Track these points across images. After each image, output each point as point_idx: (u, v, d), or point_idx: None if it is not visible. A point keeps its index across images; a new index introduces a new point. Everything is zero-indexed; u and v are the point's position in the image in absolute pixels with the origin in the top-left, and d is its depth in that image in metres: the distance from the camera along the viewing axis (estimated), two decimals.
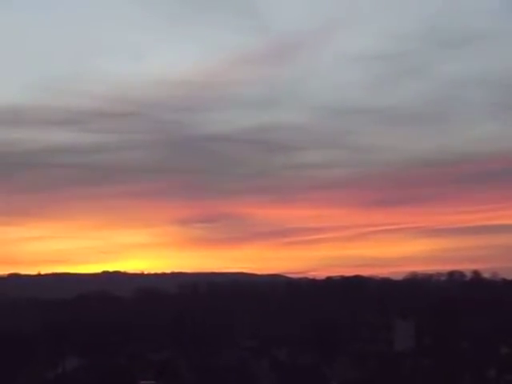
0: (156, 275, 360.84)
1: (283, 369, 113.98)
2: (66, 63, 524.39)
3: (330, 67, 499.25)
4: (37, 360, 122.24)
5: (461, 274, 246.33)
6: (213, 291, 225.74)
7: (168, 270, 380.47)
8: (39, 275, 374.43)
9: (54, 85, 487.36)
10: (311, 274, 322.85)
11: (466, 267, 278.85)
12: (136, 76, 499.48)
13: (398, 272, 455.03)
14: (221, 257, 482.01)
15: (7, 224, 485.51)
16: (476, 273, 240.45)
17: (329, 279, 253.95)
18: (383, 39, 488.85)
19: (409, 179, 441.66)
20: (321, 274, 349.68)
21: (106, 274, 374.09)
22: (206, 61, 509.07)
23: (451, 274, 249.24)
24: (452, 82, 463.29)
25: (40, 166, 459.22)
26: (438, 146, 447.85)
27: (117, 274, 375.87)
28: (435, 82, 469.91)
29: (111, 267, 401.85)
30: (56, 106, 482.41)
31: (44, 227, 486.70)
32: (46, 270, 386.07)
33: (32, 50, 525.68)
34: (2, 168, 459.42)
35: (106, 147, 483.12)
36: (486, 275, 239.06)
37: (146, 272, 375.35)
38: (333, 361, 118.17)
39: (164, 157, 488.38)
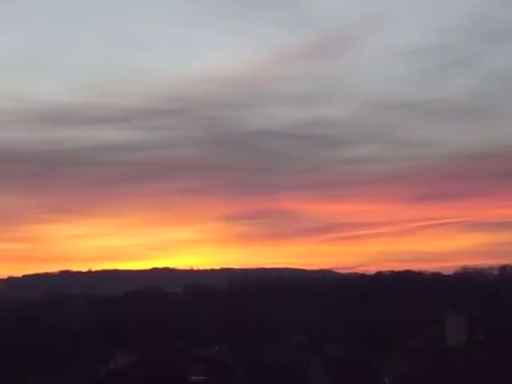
0: (205, 271, 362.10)
1: (334, 364, 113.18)
2: (114, 61, 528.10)
3: (375, 61, 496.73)
4: (88, 356, 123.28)
5: None
6: (262, 287, 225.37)
7: (217, 266, 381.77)
8: (90, 272, 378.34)
9: (103, 83, 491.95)
10: (361, 270, 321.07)
11: None
12: (183, 73, 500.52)
13: (448, 266, 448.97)
14: (269, 252, 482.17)
15: (59, 222, 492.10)
16: None
17: (379, 274, 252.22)
18: (428, 32, 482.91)
19: (457, 173, 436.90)
20: (371, 269, 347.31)
21: (155, 270, 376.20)
22: (252, 57, 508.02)
23: (503, 268, 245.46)
24: (498, 75, 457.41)
25: (90, 164, 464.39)
26: (485, 139, 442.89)
27: (166, 270, 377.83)
28: (481, 75, 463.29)
29: (161, 264, 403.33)
30: (105, 104, 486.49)
31: (95, 224, 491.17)
32: (96, 266, 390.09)
33: (80, 50, 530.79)
34: (52, 166, 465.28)
35: (154, 145, 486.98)
36: None
37: (195, 268, 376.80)
38: (384, 356, 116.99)
39: (211, 153, 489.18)
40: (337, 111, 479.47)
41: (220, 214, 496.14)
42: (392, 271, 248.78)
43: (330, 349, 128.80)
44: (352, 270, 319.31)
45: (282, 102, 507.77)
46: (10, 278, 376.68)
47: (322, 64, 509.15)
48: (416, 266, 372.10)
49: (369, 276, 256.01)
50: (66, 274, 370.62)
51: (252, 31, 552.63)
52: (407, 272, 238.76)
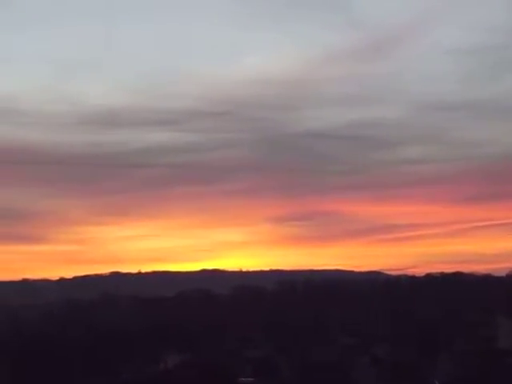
0: (254, 273, 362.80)
1: (382, 366, 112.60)
2: (162, 64, 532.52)
3: (425, 61, 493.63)
4: (139, 357, 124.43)
5: None
6: (310, 288, 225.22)
7: (266, 268, 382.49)
8: (140, 273, 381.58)
9: (150, 86, 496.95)
10: (410, 271, 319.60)
11: None
12: (231, 75, 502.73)
13: (499, 268, 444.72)
14: (318, 254, 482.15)
15: (109, 223, 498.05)
16: None
17: (429, 276, 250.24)
18: (478, 32, 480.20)
19: (507, 173, 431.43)
20: (420, 271, 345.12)
21: (204, 271, 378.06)
22: (300, 58, 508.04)
23: None
24: None
25: (140, 167, 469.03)
26: None
27: (215, 271, 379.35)
28: None
29: (210, 265, 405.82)
30: (152, 107, 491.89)
31: (144, 226, 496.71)
32: (146, 268, 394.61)
33: (128, 52, 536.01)
34: (103, 169, 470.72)
35: (202, 147, 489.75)
36: None
37: (244, 270, 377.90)
38: (433, 359, 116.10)
39: (260, 155, 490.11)
40: (386, 112, 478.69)
41: (269, 215, 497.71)
42: (442, 273, 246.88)
43: (378, 351, 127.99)
44: (401, 272, 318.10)
45: (331, 103, 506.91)
46: (61, 280, 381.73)
47: (371, 65, 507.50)
48: (466, 268, 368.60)
49: (418, 278, 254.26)
50: (116, 275, 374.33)
51: (300, 32, 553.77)
52: (457, 274, 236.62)
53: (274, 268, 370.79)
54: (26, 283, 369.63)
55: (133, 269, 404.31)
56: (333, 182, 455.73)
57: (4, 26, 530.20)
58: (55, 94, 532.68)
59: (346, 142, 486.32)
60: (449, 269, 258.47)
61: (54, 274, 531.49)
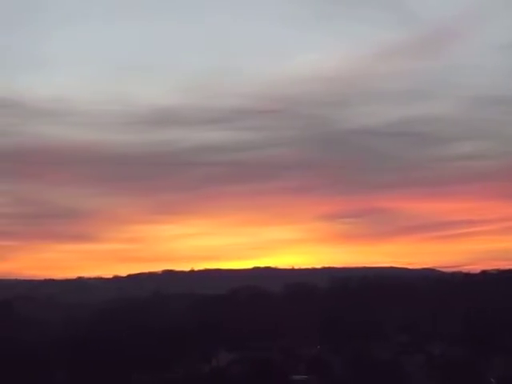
0: (306, 270, 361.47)
1: (438, 364, 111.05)
2: (213, 63, 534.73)
3: (478, 57, 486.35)
4: (191, 353, 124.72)
5: None
6: (363, 286, 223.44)
7: (318, 265, 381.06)
8: (192, 271, 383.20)
9: (206, 85, 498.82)
10: (465, 268, 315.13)
11: None
12: (283, 73, 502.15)
13: None
14: (371, 251, 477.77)
15: (163, 222, 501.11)
16: None
17: (484, 273, 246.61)
18: None
19: None
20: (475, 268, 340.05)
21: (256, 269, 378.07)
22: (351, 55, 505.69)
23: None
24: None
25: (193, 165, 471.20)
26: None
27: (267, 269, 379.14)
28: None
29: (262, 263, 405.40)
30: (205, 105, 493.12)
31: (196, 225, 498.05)
32: (198, 266, 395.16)
33: (180, 52, 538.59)
34: (156, 168, 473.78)
35: (253, 145, 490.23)
36: None
37: (296, 267, 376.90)
38: (489, 356, 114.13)
39: (311, 152, 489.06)
40: (439, 108, 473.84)
41: (321, 212, 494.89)
42: (498, 270, 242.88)
43: (433, 348, 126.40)
44: (456, 269, 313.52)
45: (383, 99, 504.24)
46: (115, 278, 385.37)
47: (423, 61, 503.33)
48: None
49: (474, 275, 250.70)
50: (168, 273, 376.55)
51: (352, 30, 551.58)
52: None
53: (327, 265, 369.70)
54: (80, 281, 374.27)
55: (185, 267, 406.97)
56: (386, 179, 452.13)
57: (56, 29, 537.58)
58: (108, 94, 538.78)
59: (398, 138, 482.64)
60: (505, 265, 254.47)
61: (108, 272, 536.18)
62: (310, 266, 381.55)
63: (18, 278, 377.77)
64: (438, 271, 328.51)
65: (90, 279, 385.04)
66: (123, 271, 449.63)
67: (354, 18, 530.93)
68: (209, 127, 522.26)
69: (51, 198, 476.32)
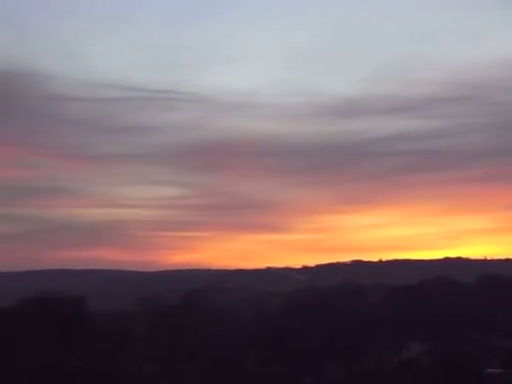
0: (499, 261, 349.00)
1: None
2: (397, 52, 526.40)
3: None
4: (380, 344, 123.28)
5: None
6: None
7: None
8: (381, 262, 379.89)
9: (387, 74, 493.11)
10: None
11: None
12: (469, 59, 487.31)
13: None
14: None
15: (351, 212, 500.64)
16: None
17: None
18: None
19: None
20: None
21: (447, 260, 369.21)
22: None
23: None
24: None
25: (381, 155, 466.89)
26: None
27: (459, 260, 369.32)
28: None
29: (453, 253, 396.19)
30: (395, 94, 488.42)
31: (385, 214, 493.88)
32: (387, 256, 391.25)
33: (368, 41, 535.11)
34: (344, 158, 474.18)
35: (443, 132, 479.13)
36: None
37: (488, 258, 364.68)
38: None
39: (502, 140, 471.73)
40: None
41: None
42: None
43: None
44: None
45: None
46: (304, 268, 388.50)
47: None
48: None
49: None
50: (357, 263, 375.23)
51: None
52: None
53: None
54: (269, 271, 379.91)
55: (374, 257, 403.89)
56: None
57: (245, 24, 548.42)
58: (292, 86, 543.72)
59: None
60: None
61: (297, 261, 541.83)
62: (503, 257, 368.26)
63: (209, 267, 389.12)
64: None
65: (279, 269, 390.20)
66: (312, 261, 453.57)
67: None
68: (399, 116, 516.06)
69: (241, 189, 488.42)
